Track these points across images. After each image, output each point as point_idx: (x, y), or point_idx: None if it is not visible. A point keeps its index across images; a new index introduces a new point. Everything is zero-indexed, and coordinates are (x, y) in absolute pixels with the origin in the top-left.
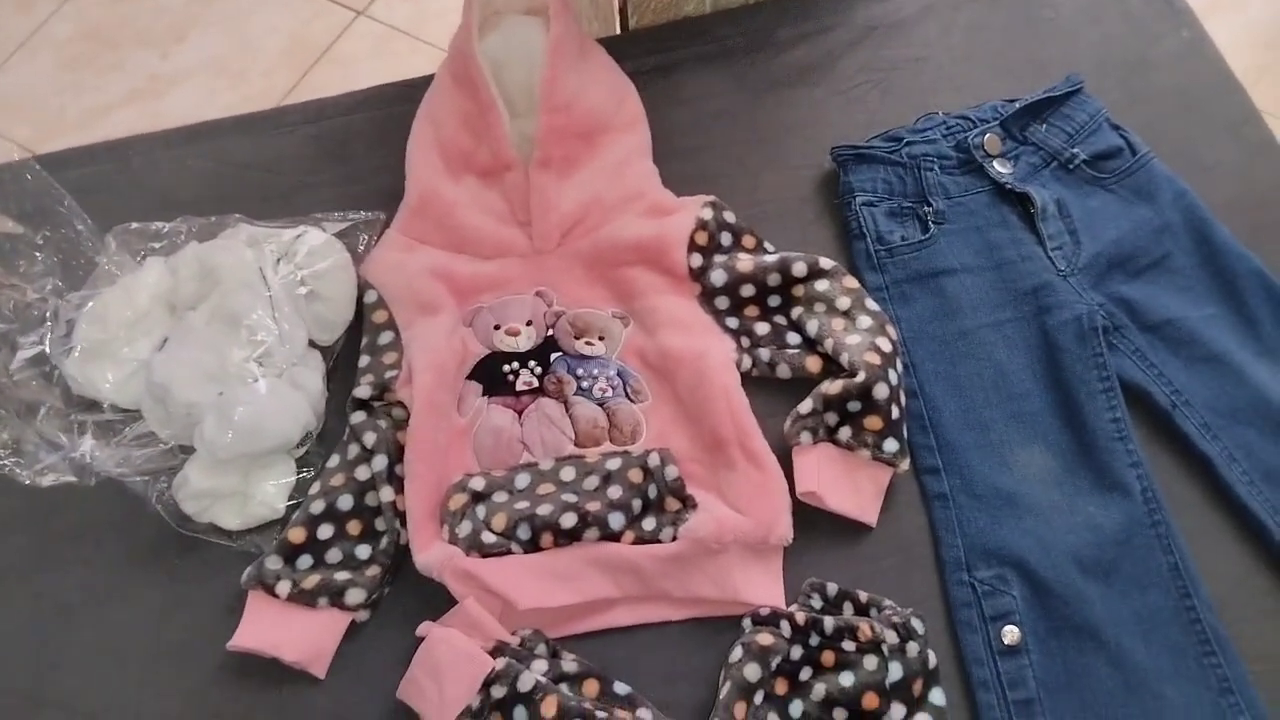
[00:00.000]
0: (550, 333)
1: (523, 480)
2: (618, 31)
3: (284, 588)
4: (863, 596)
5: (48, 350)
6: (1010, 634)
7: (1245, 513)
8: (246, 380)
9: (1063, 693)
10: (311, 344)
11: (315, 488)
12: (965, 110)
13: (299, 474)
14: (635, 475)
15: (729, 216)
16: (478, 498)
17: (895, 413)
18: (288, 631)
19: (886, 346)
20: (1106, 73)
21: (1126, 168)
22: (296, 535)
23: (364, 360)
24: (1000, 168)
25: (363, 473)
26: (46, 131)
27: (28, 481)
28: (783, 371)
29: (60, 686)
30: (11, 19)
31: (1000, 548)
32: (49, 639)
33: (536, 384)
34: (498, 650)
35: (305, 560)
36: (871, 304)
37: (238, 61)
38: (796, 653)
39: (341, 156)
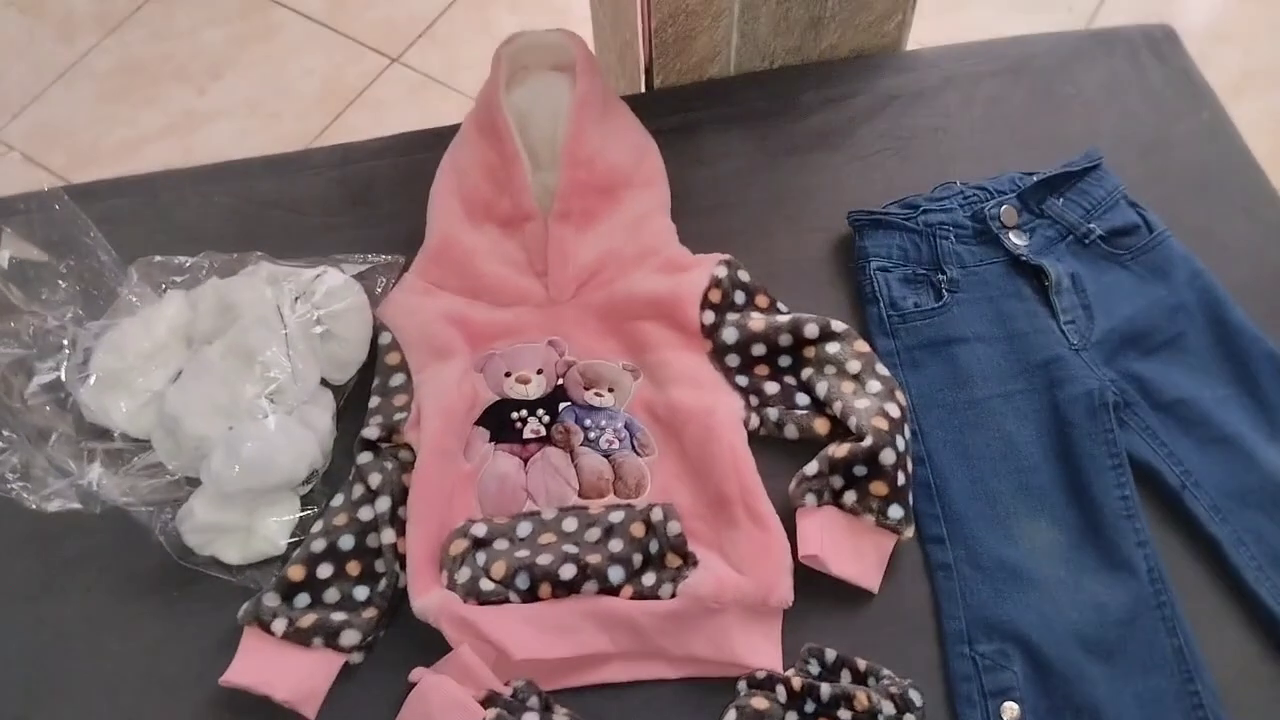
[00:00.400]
0: (560, 382)
1: (524, 529)
2: (642, 90)
3: (280, 625)
4: (861, 664)
5: (63, 377)
6: (1010, 711)
7: (1253, 598)
8: (257, 416)
9: None
10: (324, 383)
11: (318, 526)
12: (983, 181)
13: (303, 512)
14: (637, 529)
15: (743, 275)
16: (479, 544)
17: (901, 479)
18: (280, 670)
19: (895, 412)
20: (1126, 149)
21: (1143, 245)
22: (296, 573)
23: (374, 401)
24: (1016, 239)
25: (366, 514)
26: (80, 161)
27: (34, 506)
28: (790, 432)
29: (53, 713)
30: (53, 49)
31: (1003, 622)
32: (46, 665)
33: (544, 433)
34: (490, 700)
35: (303, 599)
36: (882, 369)
37: (272, 102)
38: (791, 719)
39: (365, 200)
